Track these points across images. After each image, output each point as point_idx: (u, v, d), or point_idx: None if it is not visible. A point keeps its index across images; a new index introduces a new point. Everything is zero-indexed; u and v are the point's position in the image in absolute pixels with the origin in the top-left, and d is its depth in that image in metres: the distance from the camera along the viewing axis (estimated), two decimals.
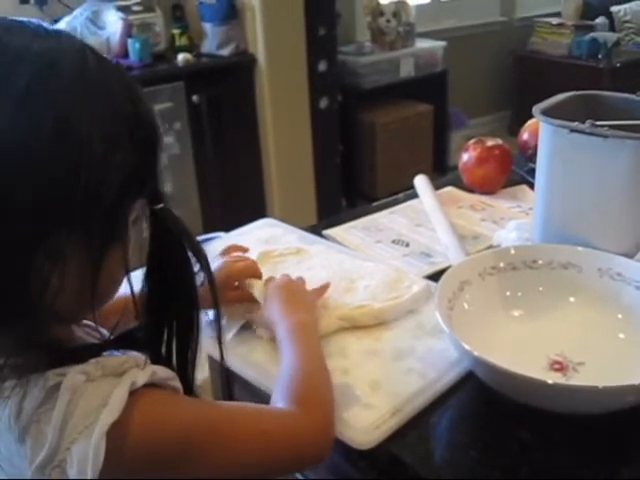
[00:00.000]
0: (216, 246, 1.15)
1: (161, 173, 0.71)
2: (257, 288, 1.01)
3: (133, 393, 0.63)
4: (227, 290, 1.01)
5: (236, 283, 1.03)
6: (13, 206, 0.58)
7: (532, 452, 0.78)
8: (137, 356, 0.68)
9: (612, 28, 5.07)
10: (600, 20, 4.99)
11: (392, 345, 0.95)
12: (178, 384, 0.70)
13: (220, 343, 0.80)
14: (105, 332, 0.74)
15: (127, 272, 0.69)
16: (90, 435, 0.60)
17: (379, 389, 0.87)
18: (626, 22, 5.11)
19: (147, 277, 0.73)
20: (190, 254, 0.74)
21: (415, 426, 0.82)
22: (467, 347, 0.79)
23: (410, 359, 0.92)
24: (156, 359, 0.71)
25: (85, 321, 0.75)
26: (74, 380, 0.62)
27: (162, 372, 0.68)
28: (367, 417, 0.82)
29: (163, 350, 0.75)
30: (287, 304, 0.95)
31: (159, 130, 0.71)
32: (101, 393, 0.62)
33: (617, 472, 0.76)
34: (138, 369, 0.65)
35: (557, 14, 5.20)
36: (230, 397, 0.89)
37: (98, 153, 0.61)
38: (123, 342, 0.71)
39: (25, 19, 0.65)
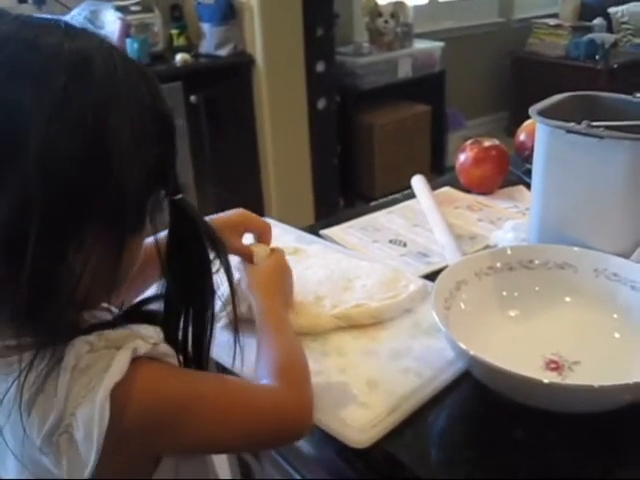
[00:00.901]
0: None
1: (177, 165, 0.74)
2: (260, 254, 1.00)
3: (135, 360, 0.65)
4: (233, 235, 1.00)
5: (245, 236, 1.03)
6: (50, 201, 0.60)
7: (528, 451, 0.78)
8: (144, 332, 0.70)
9: (610, 29, 5.07)
10: (598, 21, 4.99)
11: (389, 344, 0.95)
12: (175, 362, 0.72)
13: (236, 328, 0.83)
14: (115, 310, 0.77)
15: (160, 259, 0.74)
16: (94, 398, 0.62)
17: (376, 388, 0.87)
18: (623, 23, 5.12)
19: (166, 265, 0.76)
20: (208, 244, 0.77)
21: (411, 425, 0.82)
22: (463, 346, 0.80)
23: (407, 358, 0.92)
24: (172, 344, 0.73)
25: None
26: (78, 349, 0.64)
27: (163, 347, 0.70)
28: (364, 416, 0.82)
29: (179, 335, 0.78)
30: (274, 284, 0.97)
31: (175, 123, 0.73)
32: (104, 360, 0.64)
33: (613, 471, 0.76)
34: (141, 340, 0.67)
35: (555, 15, 5.21)
36: None
37: (127, 149, 0.63)
38: (132, 318, 0.74)
39: (48, 15, 0.66)
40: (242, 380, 0.81)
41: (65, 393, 0.63)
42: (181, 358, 0.75)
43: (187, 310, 0.78)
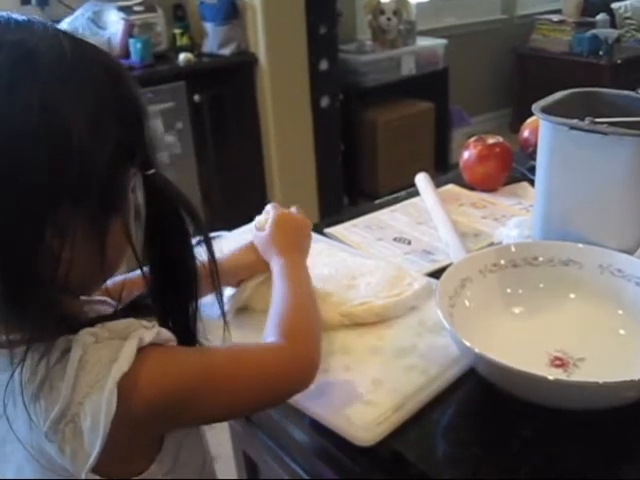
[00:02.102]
0: (218, 245, 1.15)
1: (151, 140, 0.74)
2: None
3: (140, 350, 0.66)
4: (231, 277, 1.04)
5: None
6: (13, 188, 0.62)
7: (533, 448, 0.78)
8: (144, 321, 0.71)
9: (613, 25, 5.07)
10: (601, 17, 4.99)
11: (394, 342, 0.95)
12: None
13: (222, 310, 0.84)
14: (113, 303, 0.78)
15: (130, 241, 0.72)
16: (102, 388, 0.63)
17: (381, 386, 0.87)
18: (627, 18, 5.11)
19: (146, 243, 0.76)
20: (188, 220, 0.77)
21: (417, 423, 0.82)
22: (468, 344, 0.80)
23: (412, 356, 0.92)
24: (162, 324, 0.74)
25: (96, 297, 0.79)
26: (85, 339, 0.65)
27: (165, 333, 0.71)
28: (369, 414, 0.82)
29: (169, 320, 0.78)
30: (285, 241, 1.00)
31: (141, 100, 0.73)
32: (110, 351, 0.66)
33: (619, 468, 0.77)
34: (144, 329, 0.68)
35: (558, 11, 5.20)
36: None
37: (84, 131, 0.63)
38: (132, 311, 0.74)
39: None
40: (244, 345, 0.83)
41: (72, 383, 0.64)
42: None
43: (172, 289, 0.78)
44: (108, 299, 0.79)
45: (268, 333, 0.82)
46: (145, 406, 0.67)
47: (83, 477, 0.66)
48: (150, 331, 0.69)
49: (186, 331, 0.78)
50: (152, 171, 0.74)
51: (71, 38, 0.67)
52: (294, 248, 1.00)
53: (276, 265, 0.96)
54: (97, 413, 0.63)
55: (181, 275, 0.78)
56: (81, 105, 0.64)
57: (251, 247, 1.06)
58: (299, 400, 0.86)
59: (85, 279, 0.71)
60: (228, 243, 1.13)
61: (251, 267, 1.05)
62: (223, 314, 0.84)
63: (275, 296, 0.89)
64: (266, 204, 1.11)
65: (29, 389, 0.65)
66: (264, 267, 1.02)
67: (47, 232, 0.63)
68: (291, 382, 0.79)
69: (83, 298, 0.76)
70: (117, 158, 0.67)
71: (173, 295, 0.78)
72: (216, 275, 0.81)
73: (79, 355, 0.65)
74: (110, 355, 0.65)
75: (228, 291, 1.06)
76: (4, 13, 0.67)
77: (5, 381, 0.67)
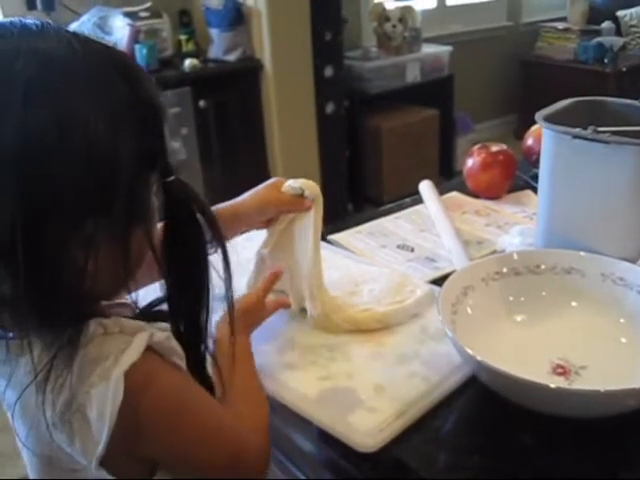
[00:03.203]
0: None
1: (169, 146, 0.74)
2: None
3: (149, 349, 0.67)
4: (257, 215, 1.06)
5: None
6: (37, 205, 0.61)
7: (535, 456, 0.78)
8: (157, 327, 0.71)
9: (618, 32, 5.06)
10: (606, 25, 4.99)
11: (396, 349, 0.96)
12: (182, 362, 0.73)
13: (231, 314, 0.82)
14: (133, 306, 0.77)
15: (153, 248, 0.72)
16: (109, 377, 0.64)
17: (383, 393, 0.87)
18: (632, 26, 5.11)
19: (164, 250, 0.75)
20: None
21: (419, 430, 0.83)
22: (470, 352, 0.80)
23: (414, 363, 0.92)
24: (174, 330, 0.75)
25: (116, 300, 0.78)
26: (93, 330, 0.66)
27: (174, 343, 0.71)
28: (371, 420, 0.82)
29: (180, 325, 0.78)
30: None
31: (161, 104, 0.73)
32: (118, 343, 0.66)
33: (619, 476, 0.77)
34: (156, 330, 0.69)
35: (563, 19, 5.21)
36: None
37: (105, 141, 0.63)
38: (149, 317, 0.74)
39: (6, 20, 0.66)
40: (227, 413, 0.79)
41: (78, 372, 0.64)
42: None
43: (186, 296, 0.78)
44: (129, 301, 0.78)
45: (238, 400, 0.81)
46: (146, 407, 0.67)
47: (94, 466, 0.66)
48: (162, 333, 0.70)
49: (197, 337, 0.78)
50: (172, 178, 0.73)
51: (85, 43, 0.67)
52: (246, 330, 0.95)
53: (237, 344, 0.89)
54: (103, 402, 0.64)
55: (194, 283, 0.77)
56: (96, 114, 0.63)
57: (274, 184, 1.07)
58: (301, 407, 0.87)
59: (109, 286, 0.71)
60: (230, 250, 1.14)
61: (278, 203, 1.05)
62: (231, 317, 0.83)
63: (240, 374, 0.86)
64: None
65: (36, 378, 0.65)
66: (289, 203, 1.04)
67: (72, 245, 0.63)
68: (239, 463, 0.78)
69: (104, 303, 0.75)
70: (139, 167, 0.67)
71: (185, 301, 0.78)
72: (229, 282, 0.80)
73: (86, 345, 0.65)
74: (118, 346, 0.66)
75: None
76: (17, 19, 0.66)
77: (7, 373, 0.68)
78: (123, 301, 0.78)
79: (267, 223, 1.07)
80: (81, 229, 0.63)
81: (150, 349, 0.67)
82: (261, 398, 0.87)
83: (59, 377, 0.64)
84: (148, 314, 0.76)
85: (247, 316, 0.94)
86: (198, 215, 0.76)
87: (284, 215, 1.05)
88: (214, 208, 0.90)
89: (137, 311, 0.77)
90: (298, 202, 1.05)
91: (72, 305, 0.65)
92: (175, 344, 0.72)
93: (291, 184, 1.05)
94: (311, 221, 1.04)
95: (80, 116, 0.62)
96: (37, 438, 0.71)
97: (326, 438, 0.84)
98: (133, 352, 0.65)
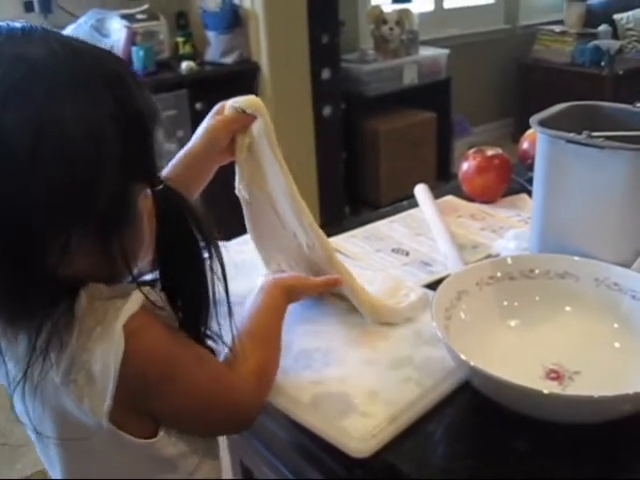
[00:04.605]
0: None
1: (158, 152, 0.74)
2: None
3: (143, 307, 0.69)
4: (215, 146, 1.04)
5: None
6: (12, 210, 0.62)
7: (528, 461, 0.78)
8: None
9: (615, 36, 5.07)
10: (603, 28, 4.99)
11: (390, 354, 0.95)
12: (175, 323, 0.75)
13: (231, 321, 0.82)
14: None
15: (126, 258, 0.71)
16: (110, 331, 0.66)
17: (376, 398, 0.87)
18: (629, 30, 5.12)
19: (157, 257, 0.76)
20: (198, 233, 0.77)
21: (412, 435, 0.82)
22: (463, 357, 0.80)
23: (407, 368, 0.92)
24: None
25: None
26: (91, 293, 0.68)
27: (168, 309, 0.74)
28: (364, 426, 0.82)
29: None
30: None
31: (149, 111, 0.72)
32: (116, 302, 0.68)
33: None
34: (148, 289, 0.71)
35: (560, 22, 5.21)
36: None
37: (81, 147, 0.63)
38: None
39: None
40: (219, 363, 0.82)
41: (78, 331, 0.66)
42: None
43: (181, 299, 0.79)
44: None
45: (239, 360, 0.83)
46: (145, 356, 0.70)
47: (104, 422, 0.68)
48: (155, 293, 0.72)
49: (194, 334, 0.79)
50: (160, 187, 0.73)
51: (72, 50, 0.66)
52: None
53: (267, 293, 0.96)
54: (107, 356, 0.66)
55: (191, 287, 0.78)
56: (77, 124, 0.63)
57: (217, 110, 1.06)
58: (295, 412, 0.87)
59: (109, 276, 0.72)
60: (227, 253, 1.13)
61: (224, 125, 1.03)
62: (229, 304, 0.82)
63: (255, 316, 0.91)
64: None
65: (38, 343, 0.67)
66: (234, 120, 1.03)
67: (50, 251, 0.63)
68: (238, 417, 0.83)
69: None
70: (122, 175, 0.67)
71: (184, 305, 0.78)
72: (226, 291, 0.80)
73: (84, 305, 0.67)
74: (115, 305, 0.68)
75: None
76: (4, 23, 0.66)
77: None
78: None
79: (228, 153, 1.04)
80: (60, 235, 0.64)
81: (144, 307, 0.70)
82: (272, 347, 0.90)
83: (61, 340, 0.67)
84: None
85: (290, 289, 0.98)
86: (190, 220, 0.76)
87: (240, 140, 1.02)
88: (171, 166, 0.96)
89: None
90: (242, 118, 1.03)
91: (51, 301, 0.67)
92: (171, 312, 0.74)
93: (232, 104, 1.03)
94: (265, 142, 1.01)
95: (58, 123, 0.62)
96: (48, 414, 0.73)
97: (318, 442, 0.84)
98: (130, 307, 0.68)
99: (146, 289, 0.71)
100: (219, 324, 0.79)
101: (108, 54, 0.71)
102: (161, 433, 0.76)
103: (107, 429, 0.69)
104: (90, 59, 0.68)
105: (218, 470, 0.87)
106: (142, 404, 0.73)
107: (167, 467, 0.79)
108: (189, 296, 0.78)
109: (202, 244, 0.77)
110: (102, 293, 0.69)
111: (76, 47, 0.67)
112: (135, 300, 0.69)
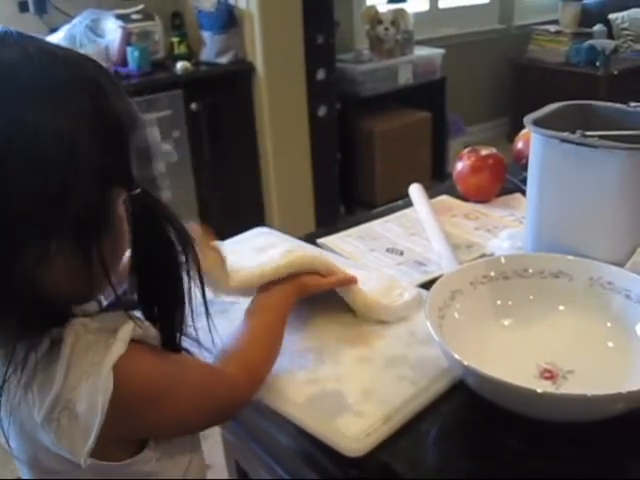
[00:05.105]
0: None
1: (136, 158, 0.72)
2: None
3: (131, 342, 0.69)
4: None
5: None
6: None
7: (523, 460, 0.79)
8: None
9: (610, 35, 5.08)
10: (598, 27, 5.00)
11: (384, 353, 0.96)
12: (158, 344, 0.76)
13: (209, 324, 0.83)
14: (104, 302, 0.79)
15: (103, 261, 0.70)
16: (98, 370, 0.65)
17: (371, 397, 0.87)
18: (624, 29, 5.13)
19: (133, 260, 0.76)
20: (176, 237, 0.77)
21: (406, 434, 0.82)
22: (457, 357, 0.80)
23: (402, 367, 0.92)
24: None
25: None
26: (77, 329, 0.67)
27: (152, 330, 0.74)
28: (358, 425, 0.82)
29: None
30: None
31: (127, 115, 0.71)
32: (102, 339, 0.68)
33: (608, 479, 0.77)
34: (134, 324, 0.71)
35: (555, 22, 5.22)
36: None
37: (57, 158, 0.62)
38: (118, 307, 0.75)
39: None
40: (207, 365, 0.83)
41: (65, 370, 0.65)
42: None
43: (159, 305, 0.79)
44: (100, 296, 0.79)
45: (229, 356, 0.85)
46: (134, 392, 0.69)
47: (83, 462, 0.67)
48: (142, 323, 0.72)
49: (171, 338, 0.79)
50: (137, 191, 0.72)
51: (48, 54, 0.65)
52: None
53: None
54: (94, 395, 0.65)
55: (167, 291, 0.78)
56: (52, 126, 0.62)
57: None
58: (289, 411, 0.87)
59: (72, 294, 0.71)
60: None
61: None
62: (206, 307, 0.83)
63: (247, 322, 0.92)
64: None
65: (21, 380, 0.66)
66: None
67: (27, 257, 0.62)
68: (229, 409, 0.85)
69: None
70: (98, 180, 0.66)
71: (160, 310, 0.78)
72: (203, 295, 0.81)
73: (71, 342, 0.66)
74: (103, 341, 0.67)
75: None
76: None
77: None
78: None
79: None
80: (33, 243, 0.63)
81: (133, 340, 0.69)
82: (269, 343, 0.91)
83: (44, 378, 0.66)
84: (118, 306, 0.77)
85: (301, 286, 0.98)
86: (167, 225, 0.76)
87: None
88: None
89: (104, 306, 0.78)
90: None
91: (32, 313, 0.65)
92: (154, 332, 0.74)
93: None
94: None
95: (29, 128, 0.61)
96: (22, 439, 0.72)
97: (314, 442, 0.84)
98: (119, 345, 0.67)
99: (132, 321, 0.71)
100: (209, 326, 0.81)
101: (85, 59, 0.70)
102: (143, 452, 0.76)
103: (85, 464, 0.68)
104: (66, 64, 0.67)
105: (203, 463, 0.89)
106: (129, 431, 0.73)
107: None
108: (165, 300, 0.78)
109: (179, 248, 0.76)
110: (88, 327, 0.68)
111: (52, 51, 0.66)
112: (123, 339, 0.68)
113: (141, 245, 0.74)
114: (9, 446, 0.75)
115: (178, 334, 0.79)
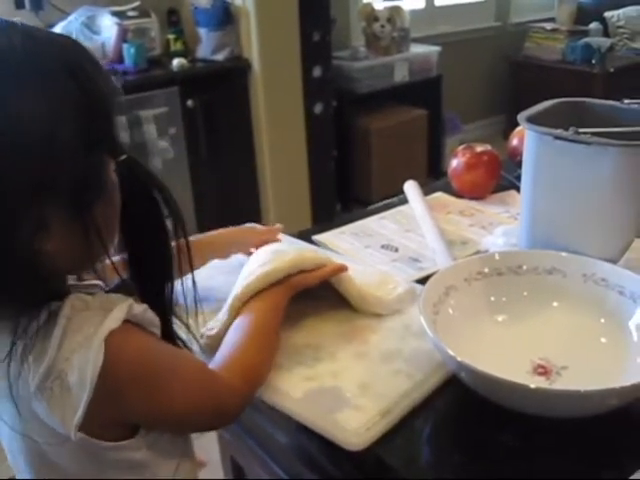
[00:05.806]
0: None
1: (118, 126, 0.75)
2: None
3: (127, 322, 0.70)
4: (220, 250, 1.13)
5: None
6: None
7: (516, 456, 0.79)
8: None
9: (606, 33, 5.09)
10: (594, 25, 5.01)
11: (380, 347, 0.96)
12: (158, 332, 0.77)
13: (195, 295, 0.85)
14: (104, 287, 0.80)
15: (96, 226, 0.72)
16: (90, 343, 0.67)
17: (368, 391, 0.87)
18: (620, 27, 5.13)
19: (122, 227, 0.78)
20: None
21: (400, 428, 0.83)
22: (451, 352, 0.80)
23: (397, 361, 0.93)
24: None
25: (86, 282, 0.81)
26: (75, 304, 0.69)
27: (152, 315, 0.75)
28: (358, 419, 0.82)
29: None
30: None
31: (110, 92, 0.73)
32: (99, 315, 0.69)
33: (603, 476, 0.77)
34: (134, 302, 0.72)
35: (551, 19, 5.23)
36: None
37: (43, 128, 0.65)
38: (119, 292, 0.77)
39: None
40: (204, 365, 0.83)
41: (59, 340, 0.67)
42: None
43: (148, 271, 0.81)
44: (100, 282, 0.80)
45: (221, 361, 0.85)
46: (126, 369, 0.70)
47: (73, 435, 0.68)
48: (140, 305, 0.73)
49: (163, 313, 0.80)
50: (123, 157, 0.74)
51: (27, 35, 0.68)
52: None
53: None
54: (84, 367, 0.66)
55: (156, 258, 0.80)
56: (34, 104, 0.64)
57: (249, 229, 1.15)
58: (288, 407, 0.87)
59: (72, 263, 0.74)
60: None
61: (243, 245, 1.13)
62: (195, 301, 0.85)
63: (240, 326, 0.92)
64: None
65: (19, 347, 0.68)
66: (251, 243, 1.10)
67: (25, 227, 0.65)
68: (223, 415, 0.83)
69: (71, 282, 0.78)
70: (86, 150, 0.68)
71: (149, 276, 0.80)
72: (188, 257, 0.81)
73: (68, 314, 0.68)
74: (99, 317, 0.69)
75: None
76: None
77: None
78: (94, 282, 0.80)
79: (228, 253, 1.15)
80: (31, 210, 0.65)
81: (128, 320, 0.71)
82: (264, 344, 0.91)
83: (40, 348, 0.67)
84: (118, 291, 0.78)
85: (288, 283, 0.98)
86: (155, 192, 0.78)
87: None
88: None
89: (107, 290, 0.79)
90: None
91: (35, 284, 0.68)
92: (152, 315, 0.75)
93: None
94: None
95: (13, 104, 0.64)
96: (16, 411, 0.73)
97: (309, 437, 0.84)
98: (112, 320, 0.68)
99: (129, 301, 0.73)
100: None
101: (66, 39, 0.73)
102: (134, 437, 0.76)
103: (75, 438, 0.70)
104: (46, 43, 0.70)
105: (195, 471, 0.89)
106: (119, 413, 0.73)
107: (140, 472, 0.79)
108: (154, 268, 0.80)
109: (166, 215, 0.79)
110: (88, 304, 0.70)
111: (33, 34, 0.69)
112: (118, 315, 0.69)
113: (131, 212, 0.77)
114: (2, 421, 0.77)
115: (168, 309, 0.81)
